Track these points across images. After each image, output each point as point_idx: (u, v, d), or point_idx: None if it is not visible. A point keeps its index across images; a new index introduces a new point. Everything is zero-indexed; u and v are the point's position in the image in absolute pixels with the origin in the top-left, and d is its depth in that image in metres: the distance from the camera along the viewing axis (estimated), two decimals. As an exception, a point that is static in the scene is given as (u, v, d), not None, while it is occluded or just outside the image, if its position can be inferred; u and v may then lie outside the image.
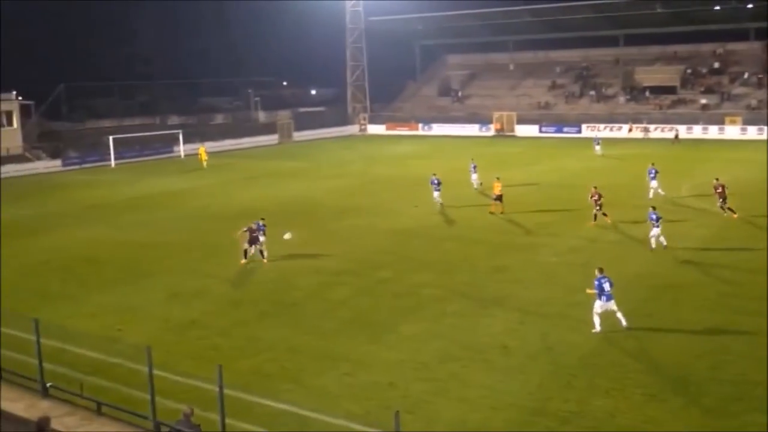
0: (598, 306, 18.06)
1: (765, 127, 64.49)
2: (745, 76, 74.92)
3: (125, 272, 25.67)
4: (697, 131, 68.24)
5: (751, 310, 19.33)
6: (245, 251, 26.03)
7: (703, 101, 72.96)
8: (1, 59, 71.60)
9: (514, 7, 79.33)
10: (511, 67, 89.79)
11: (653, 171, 35.70)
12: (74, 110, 78.69)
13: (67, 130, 70.64)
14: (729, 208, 30.32)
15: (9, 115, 61.35)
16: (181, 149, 65.23)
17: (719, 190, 30.47)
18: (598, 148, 55.48)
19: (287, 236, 26.51)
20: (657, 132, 68.98)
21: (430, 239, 29.55)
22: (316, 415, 13.40)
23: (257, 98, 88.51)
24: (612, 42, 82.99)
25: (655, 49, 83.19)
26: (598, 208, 29.94)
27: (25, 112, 64.21)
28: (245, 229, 26.21)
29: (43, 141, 65.04)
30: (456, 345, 17.61)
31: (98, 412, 12.11)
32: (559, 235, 28.90)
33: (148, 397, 11.47)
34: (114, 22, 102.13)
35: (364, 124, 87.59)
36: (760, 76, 73.69)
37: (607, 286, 18.02)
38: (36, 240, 31.68)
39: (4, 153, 57.73)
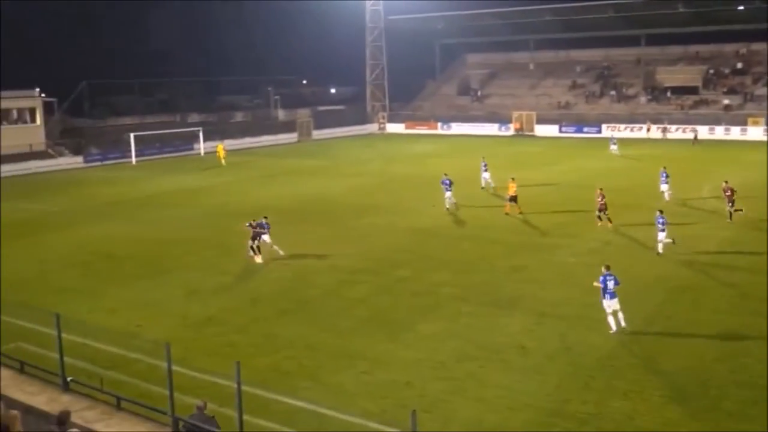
0: (607, 305, 17.96)
1: (789, 129, 63.74)
2: (769, 76, 74.11)
3: (145, 268, 25.87)
4: (719, 132, 67.54)
5: (772, 313, 19.10)
6: (251, 248, 26.09)
7: (726, 102, 72.20)
8: (26, 57, 72.46)
9: (535, 6, 78.98)
10: (532, 66, 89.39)
11: (665, 174, 35.30)
12: (96, 107, 79.38)
13: (89, 127, 71.28)
14: (737, 210, 29.90)
15: (32, 111, 62.02)
16: (201, 147, 65.58)
17: (728, 192, 30.12)
18: (614, 148, 55.05)
19: (266, 239, 26.51)
20: (678, 133, 68.33)
21: (448, 238, 29.50)
22: (333, 413, 13.43)
23: (277, 96, 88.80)
24: (633, 42, 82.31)
25: (677, 49, 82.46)
26: (601, 210, 29.71)
27: (48, 109, 64.82)
28: (247, 224, 26.26)
29: (65, 137, 65.68)
30: (473, 345, 17.57)
31: (117, 406, 12.20)
32: (576, 236, 28.73)
33: (167, 392, 11.53)
34: (135, 21, 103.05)
35: (384, 123, 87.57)
36: (784, 76, 72.85)
37: (611, 284, 17.89)
38: (57, 235, 32.00)
39: (27, 149, 58.38)
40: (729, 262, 24.40)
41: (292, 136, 77.95)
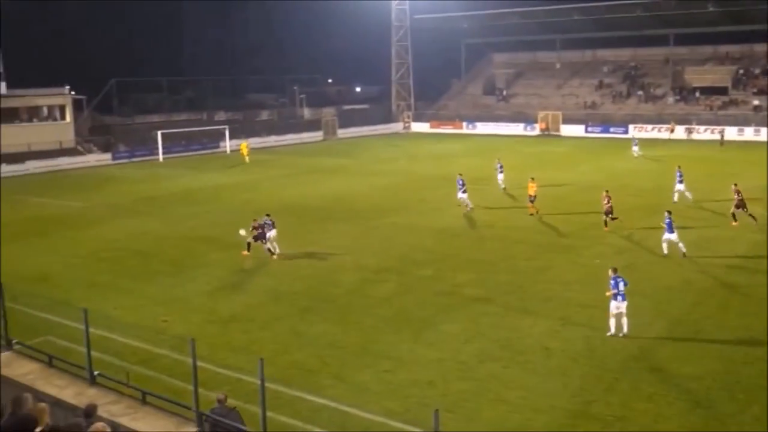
0: (614, 307, 17.75)
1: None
2: (800, 77, 72.90)
3: (171, 265, 26.12)
4: (748, 133, 66.50)
5: (801, 317, 18.79)
6: (248, 244, 26.28)
7: (756, 102, 71.10)
8: (56, 55, 73.39)
9: (562, 5, 78.32)
10: (558, 65, 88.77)
11: (679, 174, 34.88)
12: (124, 105, 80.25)
13: (118, 124, 72.11)
14: (750, 215, 29.39)
15: (62, 109, 62.88)
16: (227, 144, 66.02)
17: (737, 195, 29.66)
18: (635, 148, 54.56)
19: (242, 233, 26.65)
20: (706, 134, 67.41)
21: (472, 238, 29.41)
22: (356, 411, 13.46)
23: (302, 95, 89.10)
24: (662, 41, 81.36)
25: (706, 49, 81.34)
26: (607, 212, 29.40)
27: (77, 106, 65.71)
28: (253, 225, 26.36)
29: (94, 135, 66.51)
30: (496, 345, 17.50)
31: (143, 401, 12.31)
32: (601, 238, 28.47)
33: (192, 387, 11.62)
34: (164, 19, 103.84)
35: (408, 122, 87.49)
36: (815, 77, 71.62)
37: (621, 286, 17.72)
38: (86, 231, 32.42)
39: (57, 146, 59.21)
40: (756, 265, 24.00)
41: (317, 135, 78.17)
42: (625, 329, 17.65)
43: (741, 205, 29.21)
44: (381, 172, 50.20)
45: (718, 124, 67.57)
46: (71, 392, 12.65)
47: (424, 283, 23.03)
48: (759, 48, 78.15)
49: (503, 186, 39.44)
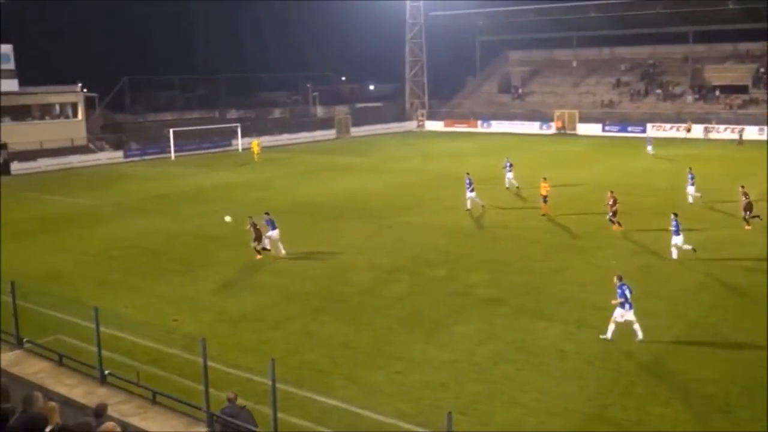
0: (619, 315, 17.53)
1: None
2: (823, 75, 72.16)
3: (182, 263, 26.22)
4: (769, 132, 65.92)
5: (823, 321, 18.59)
6: (255, 248, 26.12)
7: (777, 101, 70.54)
8: (68, 52, 73.87)
9: (579, 2, 77.97)
10: (574, 63, 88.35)
11: (691, 176, 34.64)
12: (136, 103, 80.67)
13: (129, 122, 72.53)
14: (755, 216, 29.04)
15: (74, 106, 63.33)
16: (239, 143, 66.21)
17: (744, 198, 29.35)
18: (650, 148, 54.18)
19: (227, 219, 26.70)
20: (726, 133, 66.84)
21: (485, 238, 29.33)
22: (367, 412, 13.45)
23: (315, 93, 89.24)
24: (681, 39, 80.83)
25: (726, 47, 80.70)
26: (611, 214, 29.18)
27: (89, 103, 66.08)
28: (249, 225, 26.35)
29: (106, 132, 66.92)
30: (511, 347, 17.43)
31: (153, 401, 12.35)
32: (617, 238, 28.31)
33: (202, 387, 11.65)
34: (176, 17, 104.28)
35: (422, 121, 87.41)
36: (838, 75, 70.85)
37: (628, 294, 17.54)
38: (97, 229, 32.61)
39: (68, 144, 59.62)
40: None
41: (330, 133, 78.27)
42: (640, 335, 17.48)
43: (748, 207, 28.96)
44: (394, 170, 50.18)
45: (737, 123, 67.02)
46: (81, 391, 12.71)
47: (438, 283, 22.99)
48: (780, 46, 77.51)
49: (510, 185, 39.29)
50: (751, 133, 64.53)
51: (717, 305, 20.35)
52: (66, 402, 12.07)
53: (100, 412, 9.76)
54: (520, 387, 15.25)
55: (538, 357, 16.78)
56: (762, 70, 75.86)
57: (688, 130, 66.97)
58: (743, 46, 79.64)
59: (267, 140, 68.08)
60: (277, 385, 11.00)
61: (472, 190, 33.95)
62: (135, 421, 11.68)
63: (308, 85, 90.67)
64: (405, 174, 48.23)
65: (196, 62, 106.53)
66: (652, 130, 67.75)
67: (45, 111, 62.65)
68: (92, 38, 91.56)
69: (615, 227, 29.21)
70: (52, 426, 9.00)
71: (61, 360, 13.97)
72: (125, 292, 22.67)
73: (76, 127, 62.13)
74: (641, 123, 72.43)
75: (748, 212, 28.94)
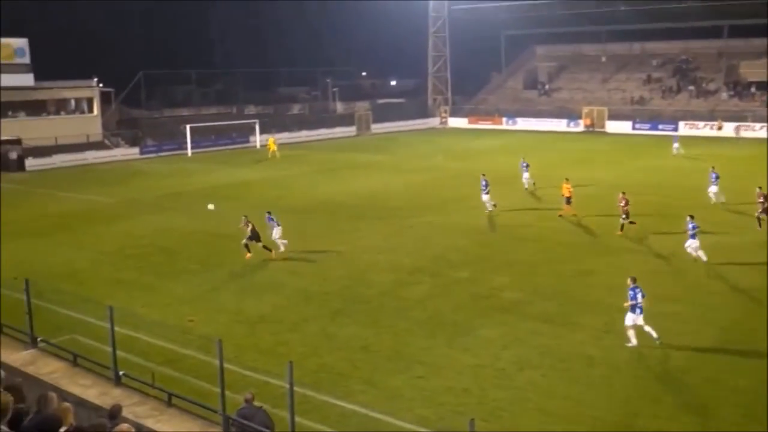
0: (630, 319, 17.42)
1: None
2: None
3: (198, 262, 26.36)
4: (807, 131, 65.05)
5: None
6: (246, 246, 26.13)
7: (816, 99, 69.58)
8: (84, 47, 74.60)
9: (608, -5, 77.47)
10: (603, 59, 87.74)
11: (714, 175, 34.21)
12: (153, 98, 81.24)
13: (146, 117, 73.11)
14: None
15: (90, 101, 63.98)
16: (257, 139, 66.48)
17: (761, 199, 28.91)
18: (676, 146, 53.66)
19: (210, 207, 26.74)
20: (762, 131, 65.94)
21: (511, 239, 29.19)
22: (388, 418, 13.44)
23: (335, 88, 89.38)
24: (715, 33, 79.94)
25: (762, 42, 79.43)
26: (624, 216, 28.86)
27: (105, 99, 66.68)
28: (243, 223, 26.38)
29: (122, 128, 67.53)
30: (536, 352, 17.33)
31: (168, 403, 12.44)
32: (645, 241, 28.03)
33: (218, 390, 11.71)
34: (193, 10, 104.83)
35: (445, 117, 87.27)
36: None
37: (639, 297, 17.41)
38: (112, 227, 32.89)
39: (84, 139, 60.19)
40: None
41: (350, 130, 78.36)
42: (654, 334, 17.36)
43: (766, 210, 28.55)
44: (416, 169, 50.13)
45: (774, 120, 66.17)
46: (96, 392, 12.84)
47: (460, 285, 22.92)
48: (820, 41, 76.41)
49: (527, 185, 39.11)
50: (789, 131, 63.66)
51: (750, 311, 20.08)
52: (80, 403, 12.19)
53: (114, 414, 9.84)
54: (545, 394, 15.16)
55: (565, 363, 16.67)
56: (800, 66, 74.86)
57: (719, 128, 66.31)
58: (781, 41, 78.59)
59: (285, 137, 68.30)
60: (295, 389, 11.04)
61: (487, 192, 33.76)
62: (150, 423, 11.77)
63: (328, 81, 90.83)
64: (427, 172, 48.16)
65: (214, 57, 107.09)
66: (685, 128, 67.09)
67: (60, 106, 63.34)
68: (108, 32, 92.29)
69: (620, 232, 28.87)
70: (66, 427, 9.06)
71: (76, 360, 14.11)
72: (141, 291, 22.85)
73: (91, 123, 62.74)
74: (673, 121, 71.78)
75: (762, 212, 28.62)
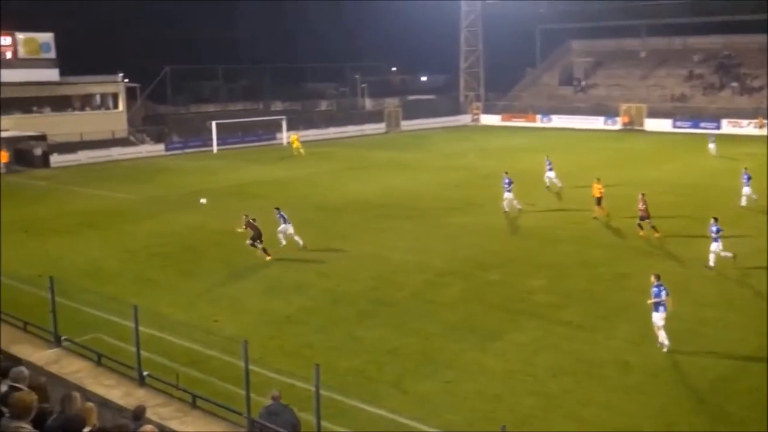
0: (658, 318, 17.37)
1: None
2: None
3: (224, 261, 26.58)
4: None
5: None
6: (254, 246, 26.19)
7: None
8: (109, 42, 75.51)
9: (648, -12, 76.71)
10: (643, 54, 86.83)
11: (746, 176, 33.63)
12: (178, 93, 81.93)
13: (171, 113, 73.76)
14: None
15: (115, 97, 64.75)
16: (284, 136, 66.71)
17: None
18: (712, 146, 52.85)
19: (203, 201, 26.92)
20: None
21: (544, 240, 29.01)
22: (416, 423, 13.45)
23: (364, 84, 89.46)
24: (760, 28, 78.49)
25: (810, 36, 78.36)
26: (642, 217, 28.43)
27: (130, 94, 67.34)
28: (244, 224, 26.46)
29: (147, 124, 68.23)
30: (570, 358, 17.23)
31: (193, 404, 12.56)
32: (685, 244, 27.68)
33: (243, 392, 11.80)
34: (220, 5, 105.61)
35: (478, 114, 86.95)
36: None
37: (663, 295, 17.28)
38: (137, 224, 33.28)
39: (109, 136, 60.95)
40: None
41: (379, 127, 78.41)
42: (666, 342, 17.23)
43: None
44: (447, 167, 50.04)
45: (823, 119, 65.03)
46: (119, 392, 12.98)
47: (492, 288, 22.86)
48: None
49: (548, 184, 38.80)
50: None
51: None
52: (104, 403, 12.34)
53: (138, 415, 9.96)
54: (579, 401, 15.07)
55: (600, 369, 16.56)
56: None
57: (761, 126, 65.29)
58: (830, 36, 77.18)
59: (313, 134, 68.56)
60: (321, 392, 11.09)
61: (509, 190, 33.56)
62: (174, 425, 11.88)
63: (356, 76, 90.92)
64: (458, 171, 48.04)
65: (240, 52, 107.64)
66: (728, 126, 66.01)
67: (85, 102, 64.19)
68: (134, 27, 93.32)
69: (642, 233, 28.57)
70: (89, 428, 9.19)
71: (100, 360, 14.29)
72: (166, 291, 23.11)
73: (116, 119, 63.50)
74: (715, 118, 70.78)
75: None
